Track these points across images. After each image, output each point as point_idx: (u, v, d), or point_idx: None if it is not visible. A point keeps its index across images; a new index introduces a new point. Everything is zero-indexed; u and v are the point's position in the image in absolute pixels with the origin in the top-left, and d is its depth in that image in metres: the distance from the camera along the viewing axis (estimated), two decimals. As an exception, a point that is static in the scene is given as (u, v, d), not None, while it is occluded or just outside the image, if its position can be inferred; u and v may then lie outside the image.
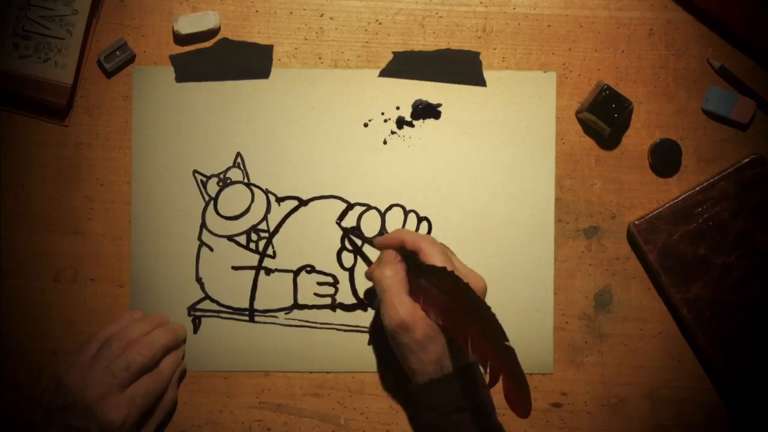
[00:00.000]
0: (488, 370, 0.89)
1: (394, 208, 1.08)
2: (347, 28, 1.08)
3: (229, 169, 1.07)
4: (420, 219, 1.08)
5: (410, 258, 0.98)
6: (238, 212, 1.07)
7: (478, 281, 0.97)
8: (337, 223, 1.05)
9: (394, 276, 0.97)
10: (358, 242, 1.06)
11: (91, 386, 0.96)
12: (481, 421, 0.95)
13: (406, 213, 1.08)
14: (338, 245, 1.07)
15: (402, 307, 0.95)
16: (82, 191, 1.06)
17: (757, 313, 1.05)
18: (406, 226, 1.07)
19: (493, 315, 0.89)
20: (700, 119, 1.08)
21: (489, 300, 1.07)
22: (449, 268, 0.93)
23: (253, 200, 1.07)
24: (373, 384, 1.06)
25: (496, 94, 1.08)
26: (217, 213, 1.07)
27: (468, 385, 0.96)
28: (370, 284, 1.06)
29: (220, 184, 1.07)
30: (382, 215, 1.07)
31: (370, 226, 1.07)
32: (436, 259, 0.95)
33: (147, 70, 1.07)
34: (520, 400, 0.88)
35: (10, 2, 1.03)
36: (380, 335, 1.04)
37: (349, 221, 1.07)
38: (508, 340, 0.88)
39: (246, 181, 1.07)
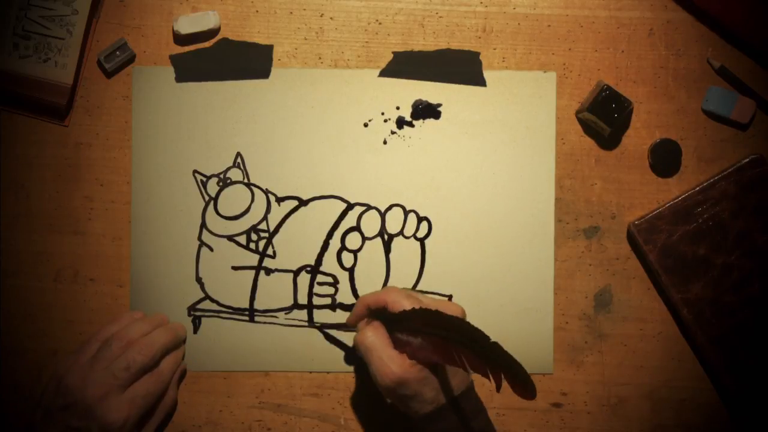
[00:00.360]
0: (491, 379, 0.89)
1: (394, 208, 1.07)
2: (347, 28, 1.08)
3: (229, 169, 1.07)
4: (420, 219, 1.08)
5: (382, 316, 0.98)
6: (238, 212, 1.07)
7: (454, 308, 0.97)
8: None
9: (375, 334, 0.97)
10: (336, 333, 1.07)
11: (91, 386, 0.96)
12: None
13: (406, 213, 1.08)
14: (338, 245, 1.07)
15: (392, 361, 0.95)
16: (82, 191, 1.06)
17: (757, 313, 1.05)
18: (407, 226, 1.07)
19: (468, 323, 0.90)
20: (700, 119, 1.08)
21: (490, 300, 1.07)
22: (417, 307, 0.94)
23: (253, 200, 1.07)
24: (373, 384, 1.06)
25: (496, 94, 1.08)
26: (217, 213, 1.07)
27: (464, 413, 0.96)
28: (370, 287, 1.07)
29: (220, 184, 1.07)
30: (382, 215, 1.07)
31: (370, 226, 1.07)
32: (404, 304, 0.96)
33: (147, 70, 1.07)
34: (522, 386, 0.88)
35: (10, 2, 1.03)
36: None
37: (349, 221, 1.07)
38: (489, 338, 0.88)
39: (246, 181, 1.07)
